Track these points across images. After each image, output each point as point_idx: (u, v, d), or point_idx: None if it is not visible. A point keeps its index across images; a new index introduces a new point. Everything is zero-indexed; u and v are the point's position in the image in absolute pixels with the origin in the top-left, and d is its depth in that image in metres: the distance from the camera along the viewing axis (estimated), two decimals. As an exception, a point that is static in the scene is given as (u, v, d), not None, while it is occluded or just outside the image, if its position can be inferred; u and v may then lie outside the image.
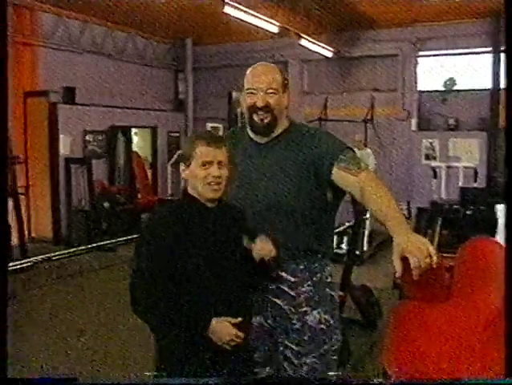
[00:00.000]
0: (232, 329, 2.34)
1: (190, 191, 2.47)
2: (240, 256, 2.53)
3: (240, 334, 2.35)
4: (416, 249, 2.04)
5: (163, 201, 10.52)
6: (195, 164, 2.40)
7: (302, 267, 2.70)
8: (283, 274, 2.69)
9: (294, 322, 2.71)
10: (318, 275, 2.74)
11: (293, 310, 2.70)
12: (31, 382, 1.93)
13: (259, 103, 2.63)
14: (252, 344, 2.71)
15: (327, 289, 2.77)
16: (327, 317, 2.73)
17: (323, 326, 2.71)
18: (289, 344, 2.72)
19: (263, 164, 2.71)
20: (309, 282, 2.71)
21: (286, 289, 2.70)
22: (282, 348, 2.74)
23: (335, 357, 2.78)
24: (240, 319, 2.37)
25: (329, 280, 2.80)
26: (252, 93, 2.66)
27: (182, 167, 2.46)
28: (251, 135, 2.77)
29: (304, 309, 2.70)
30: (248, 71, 2.72)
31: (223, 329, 2.34)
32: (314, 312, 2.70)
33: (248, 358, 2.58)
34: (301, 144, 2.70)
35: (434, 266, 2.03)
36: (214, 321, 2.34)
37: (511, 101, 2.08)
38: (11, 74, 9.74)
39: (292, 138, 2.73)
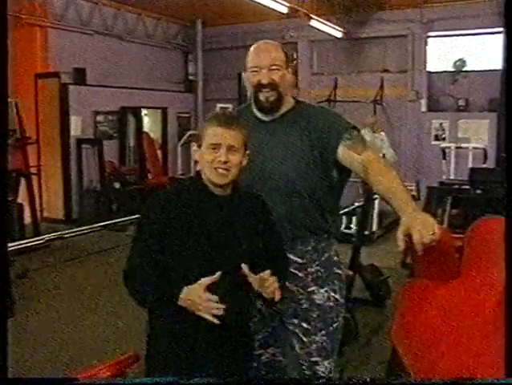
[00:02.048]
0: (201, 291, 2.09)
1: (202, 174, 2.31)
2: (248, 252, 2.32)
3: (212, 297, 2.08)
4: (421, 224, 2.05)
5: (175, 180, 10.54)
6: (205, 145, 2.26)
7: (309, 248, 2.69)
8: (291, 256, 2.65)
9: (302, 302, 2.70)
10: (326, 254, 2.74)
11: (301, 290, 2.70)
12: (31, 382, 1.91)
13: (264, 80, 2.60)
14: (257, 325, 2.70)
15: (334, 268, 2.77)
16: (334, 295, 2.74)
17: (331, 303, 2.72)
18: (298, 323, 2.71)
19: (269, 143, 2.68)
20: (317, 262, 2.71)
21: (294, 271, 2.68)
22: (291, 327, 2.73)
23: (340, 335, 2.80)
24: (214, 277, 2.12)
25: (336, 258, 2.80)
26: (256, 71, 2.62)
27: (194, 147, 2.34)
28: (256, 113, 2.74)
29: (312, 288, 2.70)
30: (250, 50, 2.69)
31: (192, 291, 2.10)
32: (322, 290, 2.71)
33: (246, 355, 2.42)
34: (307, 123, 2.68)
35: (436, 242, 2.03)
36: (185, 288, 2.13)
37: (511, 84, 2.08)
38: (22, 55, 9.81)
39: (298, 116, 2.71)
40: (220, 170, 2.22)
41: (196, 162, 2.34)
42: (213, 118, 2.29)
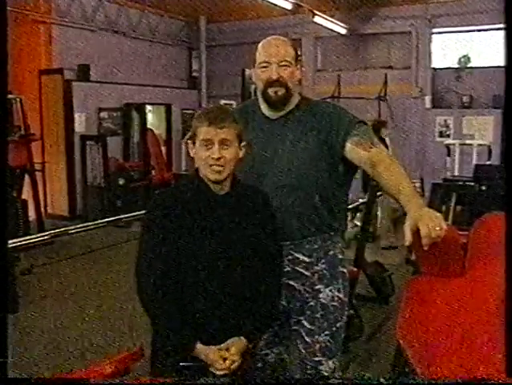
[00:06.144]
0: (217, 353, 2.16)
1: (199, 171, 2.29)
2: (253, 247, 2.33)
3: (231, 356, 2.16)
4: (428, 219, 2.03)
5: (179, 176, 10.53)
6: (198, 142, 2.22)
7: (316, 246, 2.67)
8: (299, 256, 2.65)
9: (308, 300, 2.68)
10: (331, 253, 2.71)
11: (308, 289, 2.68)
12: (31, 383, 1.88)
13: (273, 76, 2.57)
14: None
15: (339, 266, 2.75)
16: (338, 294, 2.71)
17: (335, 303, 2.69)
18: (302, 322, 2.69)
19: (277, 141, 2.64)
20: (323, 260, 2.68)
21: (301, 270, 2.67)
22: (296, 326, 2.71)
23: (343, 333, 2.77)
24: (230, 342, 2.20)
25: (340, 256, 2.77)
26: (265, 66, 2.59)
27: (190, 145, 2.29)
28: (264, 110, 2.71)
29: (317, 286, 2.68)
30: (260, 45, 2.65)
31: (209, 354, 2.17)
32: (327, 289, 2.68)
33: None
34: (314, 119, 2.65)
35: (442, 237, 2.02)
36: (199, 346, 2.18)
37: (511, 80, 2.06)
38: (26, 52, 9.83)
39: (304, 113, 2.68)
40: (214, 167, 2.19)
41: (192, 158, 2.30)
42: (202, 116, 2.23)
